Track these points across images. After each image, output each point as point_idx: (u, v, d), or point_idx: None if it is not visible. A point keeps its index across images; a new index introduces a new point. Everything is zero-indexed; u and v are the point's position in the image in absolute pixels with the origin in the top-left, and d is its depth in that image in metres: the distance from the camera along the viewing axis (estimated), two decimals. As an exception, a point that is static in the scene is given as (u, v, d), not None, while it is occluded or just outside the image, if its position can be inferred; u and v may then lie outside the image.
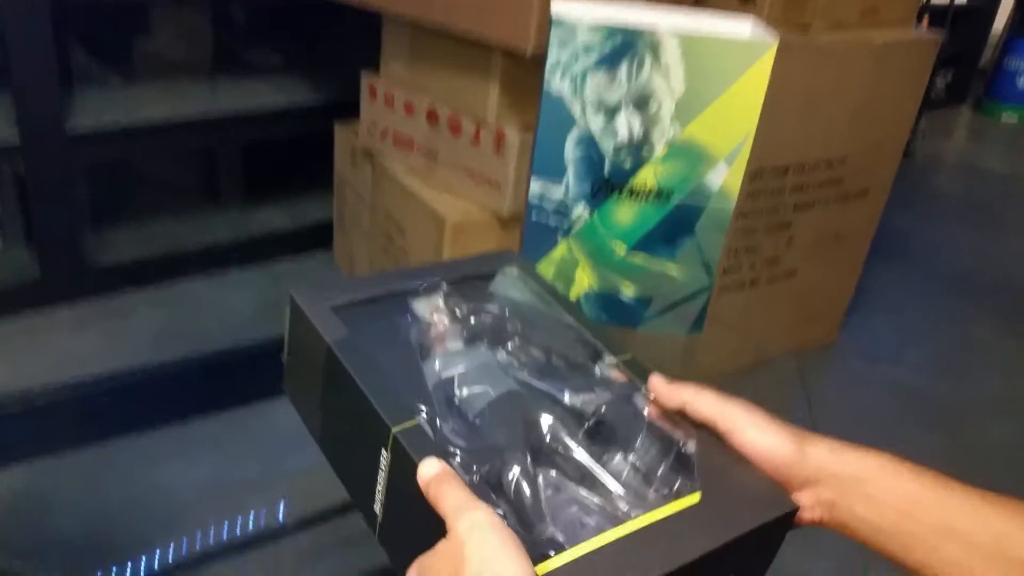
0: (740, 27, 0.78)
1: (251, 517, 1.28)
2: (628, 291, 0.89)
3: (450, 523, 0.44)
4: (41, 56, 1.58)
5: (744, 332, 0.83)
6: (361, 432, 0.53)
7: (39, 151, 1.67)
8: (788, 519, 0.51)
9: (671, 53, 0.78)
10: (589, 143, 0.83)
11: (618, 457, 0.57)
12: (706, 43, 0.78)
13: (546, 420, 0.55)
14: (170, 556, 1.20)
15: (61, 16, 1.59)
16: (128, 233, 2.00)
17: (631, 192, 0.84)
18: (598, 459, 0.55)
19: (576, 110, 0.82)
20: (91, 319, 1.78)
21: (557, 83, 0.80)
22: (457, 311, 0.64)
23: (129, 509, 1.32)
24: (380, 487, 0.52)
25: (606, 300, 0.89)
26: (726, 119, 0.81)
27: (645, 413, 0.57)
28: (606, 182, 0.84)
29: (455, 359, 0.60)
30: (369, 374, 0.54)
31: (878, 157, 1.78)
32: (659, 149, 0.83)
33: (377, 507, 0.53)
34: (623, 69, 0.79)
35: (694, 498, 0.50)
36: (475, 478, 0.50)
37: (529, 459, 0.52)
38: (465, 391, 0.58)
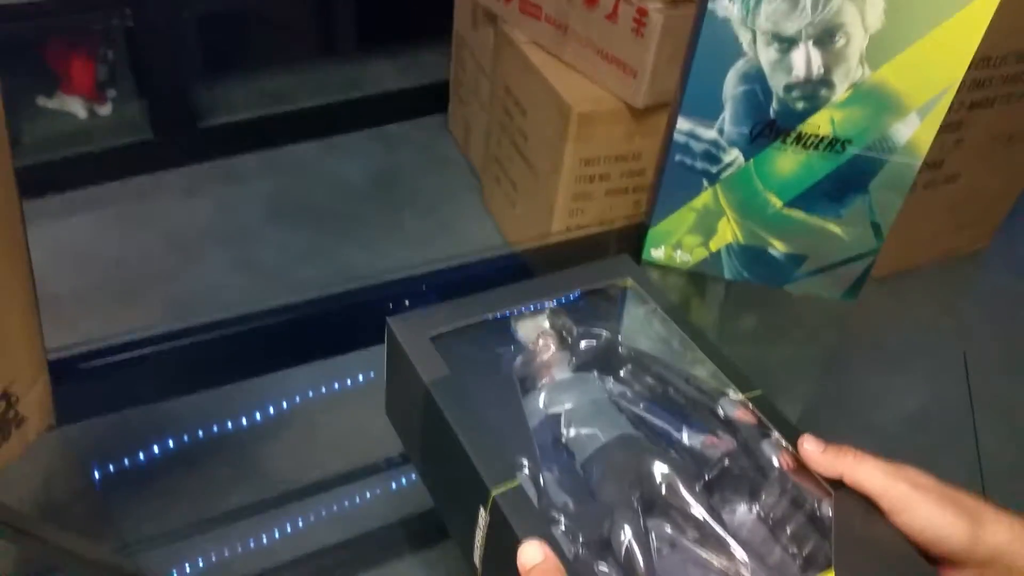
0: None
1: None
2: (779, 247, 0.78)
3: None
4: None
5: (889, 239, 0.73)
6: (460, 482, 0.48)
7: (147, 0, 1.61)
8: None
9: (872, -24, 0.63)
10: (756, 78, 0.70)
11: (742, 510, 0.51)
12: (920, -34, 0.62)
13: (661, 469, 0.49)
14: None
15: None
16: (239, 89, 1.95)
17: (799, 139, 0.71)
18: (720, 512, 0.49)
19: (745, 38, 0.68)
20: (202, 183, 1.77)
21: (725, 3, 0.67)
22: (565, 334, 0.58)
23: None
24: (479, 543, 0.47)
25: (752, 254, 0.79)
26: (928, 64, 0.66)
27: (775, 464, 0.50)
28: (771, 124, 0.72)
29: (562, 393, 0.54)
30: (468, 422, 0.49)
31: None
32: (840, 92, 0.69)
33: (476, 560, 0.48)
34: (808, -8, 0.65)
35: (828, 575, 0.44)
36: (580, 550, 0.45)
37: (641, 517, 0.47)
38: (572, 431, 0.52)
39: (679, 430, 0.53)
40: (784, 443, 0.50)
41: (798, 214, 0.75)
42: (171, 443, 0.71)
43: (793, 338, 0.87)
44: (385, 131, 2.00)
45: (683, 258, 0.80)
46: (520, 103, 1.53)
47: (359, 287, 0.84)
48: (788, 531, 0.49)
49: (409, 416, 0.56)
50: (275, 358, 0.77)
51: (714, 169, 0.75)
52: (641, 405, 0.55)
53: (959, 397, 0.76)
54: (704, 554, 0.47)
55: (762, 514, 0.50)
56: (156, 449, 0.70)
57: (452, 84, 1.94)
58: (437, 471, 0.55)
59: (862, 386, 0.83)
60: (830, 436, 0.48)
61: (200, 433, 0.72)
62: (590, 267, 0.62)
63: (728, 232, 0.78)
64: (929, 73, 0.66)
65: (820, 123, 0.70)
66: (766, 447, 0.51)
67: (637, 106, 1.33)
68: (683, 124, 0.73)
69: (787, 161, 0.73)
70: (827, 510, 0.47)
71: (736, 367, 0.55)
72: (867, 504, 0.46)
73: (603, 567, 0.46)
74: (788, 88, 0.70)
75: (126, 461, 0.69)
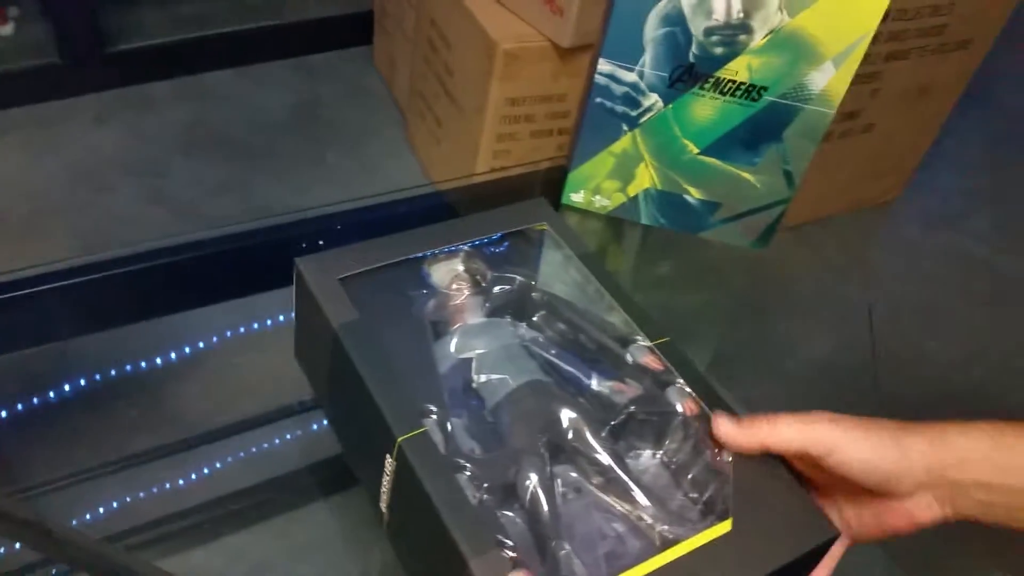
0: None
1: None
2: (695, 194, 0.78)
3: None
4: None
5: (802, 188, 0.74)
6: (368, 428, 0.48)
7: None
8: (827, 546, 0.46)
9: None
10: (677, 20, 0.69)
11: (646, 455, 0.52)
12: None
13: (568, 415, 0.50)
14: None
15: None
16: (153, 11, 1.85)
17: (716, 85, 0.71)
18: (624, 457, 0.50)
19: (666, -20, 0.67)
20: (112, 111, 1.68)
21: (646, -56, 0.66)
22: (479, 278, 0.57)
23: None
24: (385, 489, 0.47)
25: (668, 201, 0.79)
26: (845, 12, 0.66)
27: (680, 410, 0.51)
28: (689, 69, 0.71)
29: (474, 337, 0.54)
30: (377, 367, 0.48)
31: (991, 2, 1.56)
32: (759, 37, 0.69)
33: (383, 505, 0.48)
34: (730, -66, 0.64)
35: (725, 526, 0.45)
36: (484, 496, 0.46)
37: (548, 462, 0.48)
38: (483, 377, 0.52)
39: (588, 376, 0.54)
40: (688, 390, 0.51)
41: (713, 161, 0.76)
42: (74, 384, 0.68)
43: (706, 284, 0.88)
44: (308, 61, 1.93)
45: (602, 203, 0.80)
46: (446, 37, 1.49)
47: (271, 224, 0.81)
48: (689, 477, 0.50)
49: (317, 360, 0.55)
50: (184, 296, 0.75)
51: (634, 113, 0.74)
52: (552, 351, 0.55)
53: (866, 345, 0.78)
54: (607, 499, 0.48)
55: (665, 459, 0.52)
56: (58, 390, 0.67)
57: (377, 14, 1.88)
58: (345, 416, 0.54)
59: (772, 333, 0.85)
60: (741, 383, 0.49)
61: (105, 374, 0.70)
62: (506, 210, 0.62)
63: (646, 178, 0.78)
64: (845, 21, 0.67)
65: (738, 69, 0.70)
66: (671, 394, 0.52)
67: (563, 45, 1.31)
68: (604, 66, 0.72)
69: (704, 107, 0.73)
70: (728, 456, 0.48)
71: (646, 314, 0.55)
72: (767, 455, 0.47)
73: (508, 512, 0.46)
74: (708, 32, 0.69)
75: (24, 403, 0.66)
